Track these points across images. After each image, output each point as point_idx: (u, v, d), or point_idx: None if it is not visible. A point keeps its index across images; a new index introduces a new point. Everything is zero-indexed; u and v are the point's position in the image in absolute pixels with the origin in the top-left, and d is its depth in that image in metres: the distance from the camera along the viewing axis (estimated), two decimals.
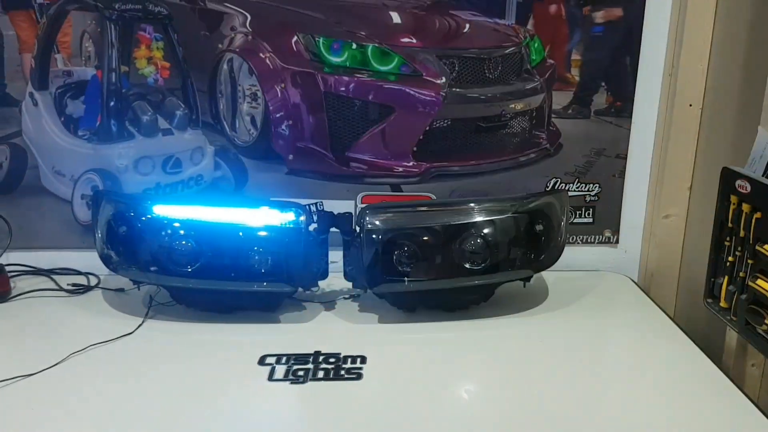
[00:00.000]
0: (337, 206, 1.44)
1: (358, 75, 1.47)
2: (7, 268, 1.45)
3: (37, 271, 1.53)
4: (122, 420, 1.01)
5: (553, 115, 1.53)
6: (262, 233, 1.31)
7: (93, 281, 1.50)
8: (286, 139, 1.51)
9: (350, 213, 1.39)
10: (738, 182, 1.16)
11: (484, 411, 1.06)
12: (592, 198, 1.58)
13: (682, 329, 1.32)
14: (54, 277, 1.51)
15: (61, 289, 1.46)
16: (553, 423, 1.02)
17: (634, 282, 1.58)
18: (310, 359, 1.18)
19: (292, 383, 1.11)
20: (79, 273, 1.53)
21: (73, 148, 1.49)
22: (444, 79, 1.47)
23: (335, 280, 1.41)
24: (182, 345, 1.24)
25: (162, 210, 1.30)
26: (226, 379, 1.13)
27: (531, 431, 1.00)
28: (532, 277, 1.38)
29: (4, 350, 1.23)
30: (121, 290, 1.44)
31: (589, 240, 1.61)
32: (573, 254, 1.54)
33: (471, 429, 1.01)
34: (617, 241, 1.62)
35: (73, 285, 1.47)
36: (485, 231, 1.33)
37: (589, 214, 1.59)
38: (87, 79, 1.46)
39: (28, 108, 1.47)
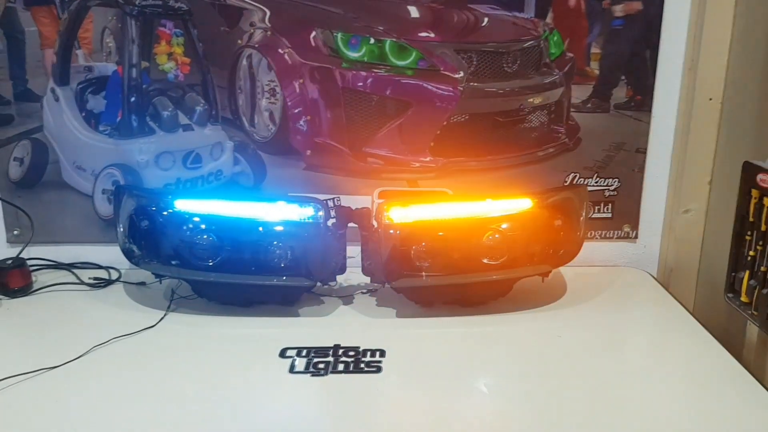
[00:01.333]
0: (354, 201, 1.44)
1: (376, 70, 1.47)
2: (29, 263, 1.47)
3: (58, 265, 1.55)
4: (145, 412, 1.02)
5: (572, 109, 1.52)
6: (282, 228, 1.31)
7: (114, 275, 1.51)
8: (304, 134, 1.52)
9: (368, 208, 1.39)
10: (760, 176, 1.16)
11: (503, 405, 1.06)
12: (611, 193, 1.57)
13: (702, 324, 1.31)
14: (75, 271, 1.53)
15: (82, 282, 1.48)
16: (573, 417, 1.02)
17: (653, 277, 1.57)
18: (330, 352, 1.19)
19: (312, 376, 1.12)
20: (100, 267, 1.55)
21: (94, 143, 1.51)
22: (462, 74, 1.47)
23: (352, 275, 1.42)
24: (204, 338, 1.26)
25: (183, 205, 1.31)
26: (248, 371, 1.14)
27: (550, 426, 1.00)
28: (550, 272, 1.38)
29: (27, 343, 1.25)
30: (143, 284, 1.45)
31: (607, 235, 1.61)
32: (591, 249, 1.54)
33: (490, 423, 1.02)
34: (636, 236, 1.61)
35: (95, 279, 1.49)
36: (503, 226, 1.33)
37: (608, 209, 1.59)
38: (108, 75, 1.48)
39: (50, 103, 1.49)
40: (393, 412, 1.04)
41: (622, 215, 1.59)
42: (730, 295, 1.25)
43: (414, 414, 1.03)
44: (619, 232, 1.61)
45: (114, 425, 0.99)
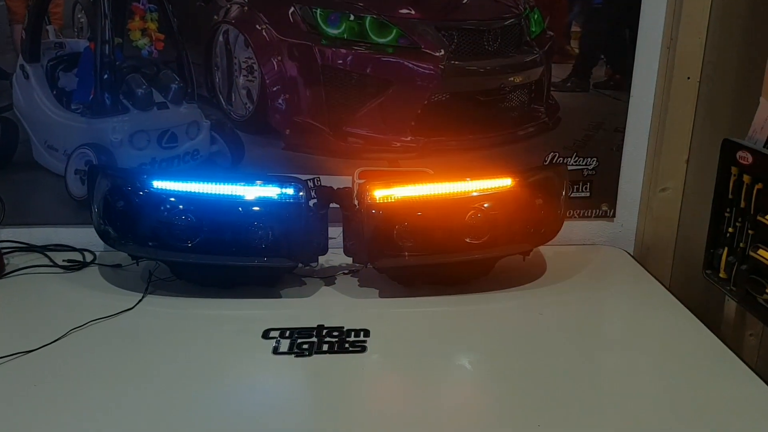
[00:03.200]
0: (334, 181, 1.43)
1: (356, 47, 1.45)
2: (0, 245, 1.43)
3: (30, 248, 1.51)
4: (127, 395, 1.00)
5: (552, 89, 1.52)
6: (263, 208, 1.29)
7: (89, 257, 1.48)
8: (282, 113, 1.49)
9: (350, 188, 1.38)
10: (739, 153, 1.17)
11: (488, 383, 1.07)
12: (590, 172, 1.58)
13: (679, 300, 1.33)
14: (48, 253, 1.49)
15: (56, 265, 1.45)
16: (556, 393, 1.03)
17: (631, 255, 1.59)
18: (314, 333, 1.18)
19: (297, 356, 1.11)
20: (73, 249, 1.51)
21: (65, 122, 1.47)
22: (443, 52, 1.46)
23: (333, 256, 1.41)
24: (184, 320, 1.24)
25: (161, 184, 1.28)
26: (231, 353, 1.13)
27: (534, 401, 1.01)
28: (531, 250, 1.38)
29: (2, 326, 1.21)
30: (119, 266, 1.42)
31: (586, 214, 1.62)
32: (570, 228, 1.55)
33: (475, 399, 1.02)
34: (614, 215, 1.62)
35: (69, 261, 1.45)
36: (485, 205, 1.33)
37: (586, 189, 1.60)
38: (79, 51, 1.43)
39: (19, 81, 1.44)
40: (379, 391, 1.04)
41: (600, 194, 1.61)
42: (708, 271, 1.27)
43: (400, 393, 1.03)
44: (597, 211, 1.62)
45: (96, 408, 0.97)
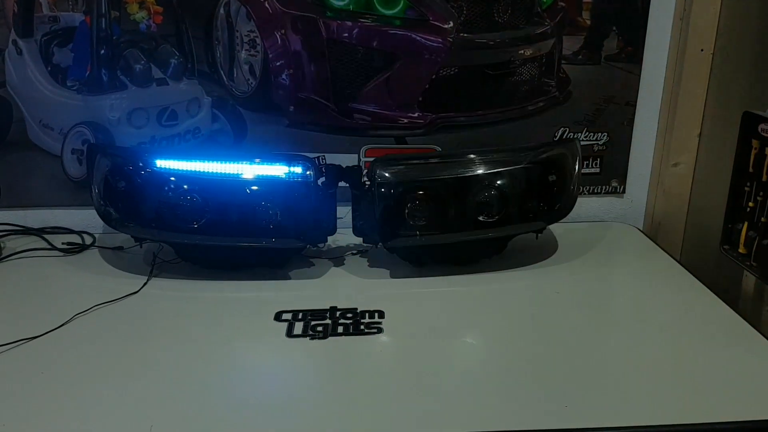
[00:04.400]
0: (339, 160, 1.38)
1: (362, 20, 1.41)
2: None
3: (26, 231, 1.46)
4: (139, 381, 0.96)
5: (563, 61, 1.48)
6: (271, 188, 1.25)
7: (88, 240, 1.44)
8: (286, 89, 1.45)
9: (359, 166, 1.34)
10: (761, 126, 1.14)
11: (510, 363, 1.04)
12: (600, 147, 1.55)
13: (696, 277, 1.31)
14: (45, 236, 1.44)
15: (54, 248, 1.40)
16: (579, 372, 1.01)
17: (641, 231, 1.57)
18: (327, 315, 1.15)
19: (312, 339, 1.08)
20: (71, 231, 1.47)
21: (61, 99, 1.41)
22: (451, 24, 1.42)
23: (340, 236, 1.37)
24: (193, 302, 1.20)
25: (165, 164, 1.24)
26: (245, 336, 1.09)
27: (557, 382, 0.98)
28: (545, 228, 1.35)
29: (3, 312, 1.17)
30: (120, 248, 1.38)
31: (595, 190, 1.59)
32: (579, 205, 1.50)
33: (499, 381, 0.99)
34: (624, 191, 1.60)
35: (68, 244, 1.40)
36: (498, 182, 1.29)
37: (596, 164, 1.57)
38: (75, 26, 1.37)
39: (12, 57, 1.38)
40: (399, 373, 1.01)
41: (610, 170, 1.58)
42: (726, 246, 1.24)
43: (420, 375, 1.00)
44: (607, 187, 1.59)
45: (107, 395, 0.93)
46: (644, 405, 0.93)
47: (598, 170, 1.57)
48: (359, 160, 1.50)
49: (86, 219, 1.47)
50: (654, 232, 1.59)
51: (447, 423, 0.89)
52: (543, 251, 1.41)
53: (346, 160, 1.44)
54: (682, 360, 1.04)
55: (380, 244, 1.31)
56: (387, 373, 1.01)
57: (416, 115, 1.49)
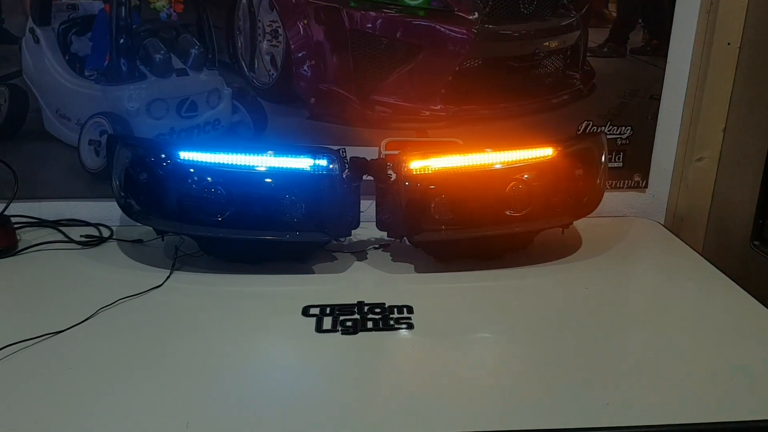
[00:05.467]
0: (360, 152, 1.36)
1: (386, 10, 1.38)
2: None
3: (42, 223, 1.44)
4: (169, 375, 0.94)
5: (588, 54, 1.46)
6: (295, 180, 1.23)
7: (105, 233, 1.41)
8: (308, 80, 1.42)
9: (384, 159, 1.32)
10: None
11: (542, 360, 1.02)
12: (624, 141, 1.54)
13: (724, 273, 1.29)
14: (61, 228, 1.42)
15: (71, 241, 1.38)
16: (615, 370, 0.99)
17: (664, 227, 1.55)
18: (355, 309, 1.13)
19: (342, 334, 1.06)
20: (88, 224, 1.45)
21: (79, 89, 1.38)
22: (476, 15, 1.39)
23: (362, 230, 1.35)
24: (218, 297, 1.18)
25: (188, 155, 1.21)
26: (274, 331, 1.07)
27: (594, 380, 0.97)
28: (571, 223, 1.34)
29: (25, 306, 1.15)
30: (140, 241, 1.36)
31: (618, 185, 1.57)
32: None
33: (529, 374, 0.97)
34: (646, 186, 1.58)
35: (86, 236, 1.38)
36: (525, 176, 1.28)
37: (619, 159, 1.55)
38: (94, 14, 1.35)
39: (29, 45, 1.35)
40: (432, 369, 0.99)
41: (633, 164, 1.56)
42: (756, 242, 1.23)
43: (455, 371, 0.98)
44: (629, 181, 1.58)
45: (133, 390, 0.91)
46: (676, 402, 0.91)
47: (620, 164, 1.56)
48: (380, 152, 1.48)
49: (103, 211, 1.45)
50: (676, 227, 1.57)
51: (482, 420, 0.87)
52: (567, 247, 1.40)
53: (367, 152, 1.42)
54: (714, 357, 1.03)
55: (405, 238, 1.29)
56: (421, 369, 0.99)
57: (438, 107, 1.47)
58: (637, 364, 1.01)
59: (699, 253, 1.39)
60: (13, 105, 1.38)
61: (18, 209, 1.43)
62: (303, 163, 1.24)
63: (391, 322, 1.09)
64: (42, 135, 1.41)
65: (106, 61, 1.37)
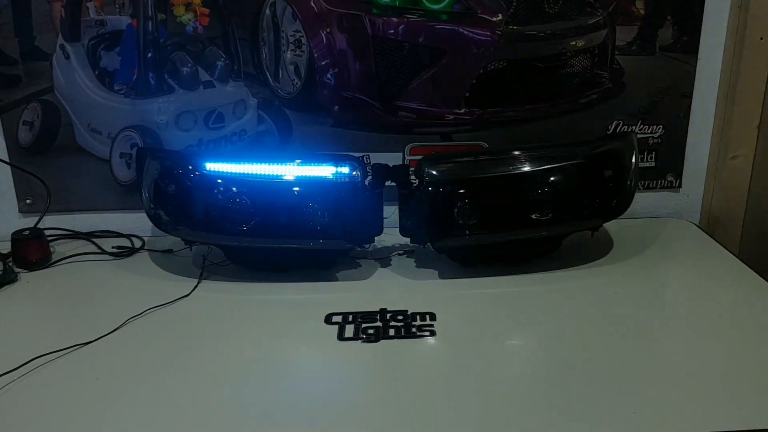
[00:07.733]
0: (384, 159, 1.36)
1: (408, 16, 1.38)
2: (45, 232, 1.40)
3: (75, 235, 1.47)
4: (197, 384, 0.96)
5: (616, 52, 1.43)
6: (318, 188, 1.24)
7: (137, 243, 1.44)
8: (331, 88, 1.43)
9: (406, 165, 1.31)
10: None
11: (571, 367, 1.00)
12: (655, 140, 1.50)
13: (762, 276, 1.25)
14: (95, 240, 1.45)
15: (104, 252, 1.40)
16: (644, 378, 0.96)
17: (699, 228, 1.51)
18: (378, 317, 1.13)
19: (363, 342, 1.06)
20: (120, 235, 1.48)
21: (109, 103, 1.41)
22: (500, 16, 1.38)
23: (385, 236, 1.34)
24: (244, 305, 1.19)
25: (214, 166, 1.23)
26: (297, 339, 1.08)
27: (623, 387, 0.94)
28: (601, 225, 1.31)
29: (56, 317, 1.18)
30: (170, 251, 1.38)
31: (650, 185, 1.54)
32: (633, 200, 1.46)
33: (556, 382, 0.96)
34: (680, 186, 1.54)
35: (118, 248, 1.41)
36: (552, 179, 1.25)
37: (651, 158, 1.51)
38: (122, 29, 1.37)
39: (60, 61, 1.39)
40: (455, 378, 0.98)
41: (665, 164, 1.52)
42: None
43: (478, 380, 0.97)
44: (663, 181, 1.54)
45: (163, 398, 0.93)
46: (711, 409, 0.89)
47: (653, 164, 1.52)
48: (404, 158, 1.47)
49: (134, 222, 1.47)
50: (711, 228, 1.53)
51: (507, 429, 0.86)
52: (598, 249, 1.37)
53: (391, 158, 1.41)
54: (752, 364, 0.99)
55: (429, 244, 1.28)
56: (443, 378, 0.99)
57: (463, 111, 1.45)
58: (671, 371, 0.98)
59: (735, 255, 1.35)
60: (46, 120, 1.42)
61: (52, 222, 1.47)
62: (325, 171, 1.24)
63: (413, 330, 1.09)
64: (74, 149, 1.44)
65: (135, 75, 1.40)
